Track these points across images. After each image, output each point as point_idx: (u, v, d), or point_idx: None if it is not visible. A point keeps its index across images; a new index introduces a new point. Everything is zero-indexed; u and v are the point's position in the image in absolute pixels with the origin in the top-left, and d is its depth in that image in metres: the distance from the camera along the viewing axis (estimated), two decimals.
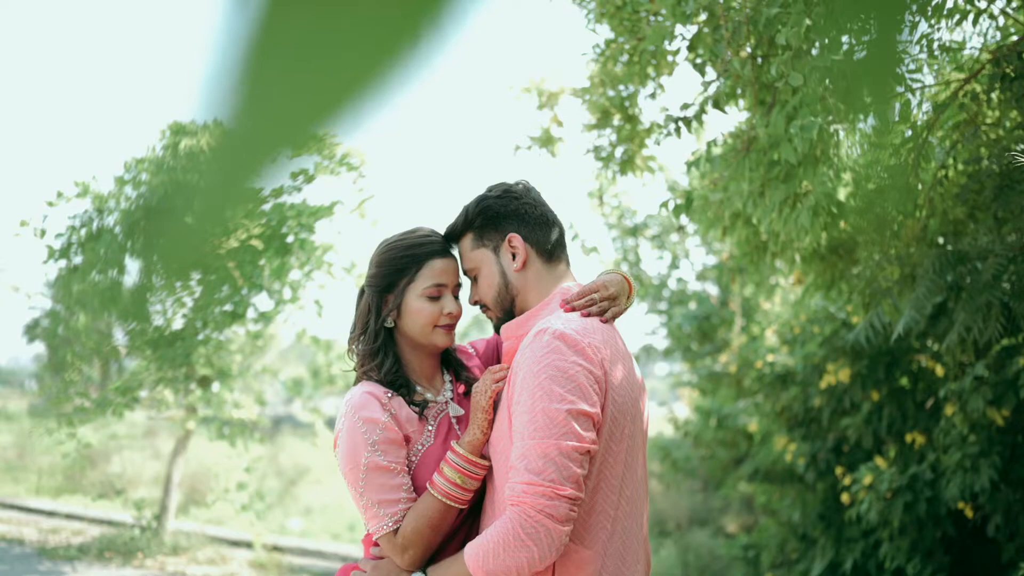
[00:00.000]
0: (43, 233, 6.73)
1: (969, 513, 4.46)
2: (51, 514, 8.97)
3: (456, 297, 1.74)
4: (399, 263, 1.70)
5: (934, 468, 4.71)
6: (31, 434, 7.77)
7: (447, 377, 1.80)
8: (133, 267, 7.15)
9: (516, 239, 1.65)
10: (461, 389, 1.79)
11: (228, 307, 7.30)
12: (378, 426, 1.61)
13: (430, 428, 1.69)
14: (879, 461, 4.85)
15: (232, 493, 7.07)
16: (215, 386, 7.03)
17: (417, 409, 1.68)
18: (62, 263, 6.87)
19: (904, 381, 5.20)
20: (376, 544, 1.66)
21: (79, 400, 7.07)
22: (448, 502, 1.58)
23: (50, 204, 6.76)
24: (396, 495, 1.59)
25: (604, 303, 1.62)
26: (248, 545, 7.84)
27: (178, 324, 7.33)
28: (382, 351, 1.70)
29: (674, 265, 8.39)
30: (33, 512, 9.05)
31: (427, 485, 1.60)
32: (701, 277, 8.64)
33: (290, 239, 7.16)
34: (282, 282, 7.27)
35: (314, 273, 7.40)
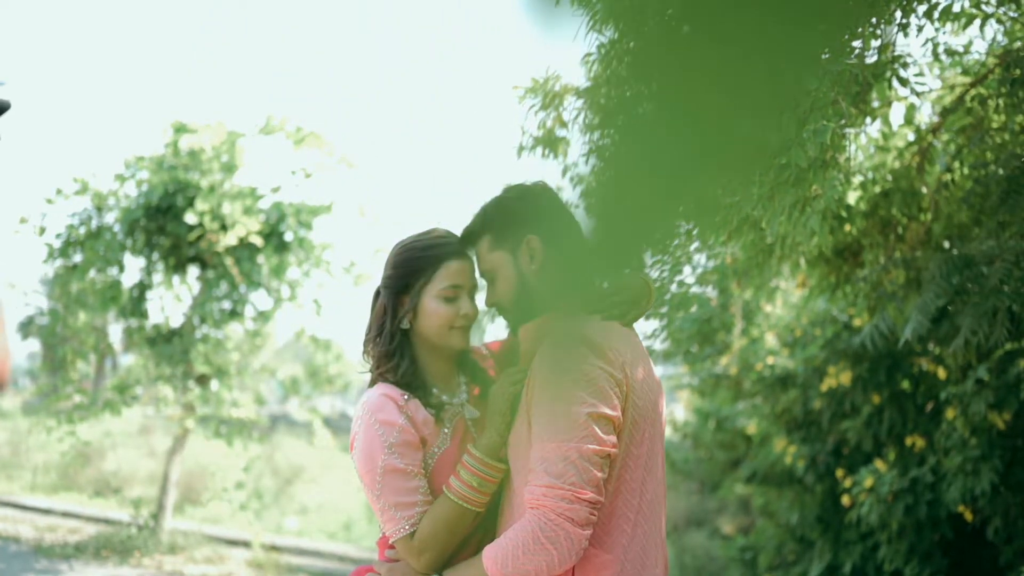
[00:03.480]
0: (42, 231, 6.69)
1: (968, 516, 4.48)
2: (47, 512, 8.92)
3: (472, 299, 1.73)
4: (415, 264, 1.69)
5: (934, 471, 4.72)
6: (29, 431, 7.72)
7: (462, 379, 1.79)
8: (132, 264, 7.12)
9: (535, 240, 1.64)
10: (476, 391, 1.79)
11: (226, 305, 7.28)
12: (395, 428, 1.60)
13: (446, 431, 1.68)
14: (879, 464, 4.86)
15: (230, 492, 7.05)
16: (214, 384, 7.00)
17: (433, 411, 1.67)
18: (60, 261, 6.84)
19: (905, 384, 5.21)
20: (391, 546, 1.66)
21: (78, 397, 7.04)
22: (465, 505, 1.57)
23: (49, 201, 6.71)
24: (413, 498, 1.59)
25: (624, 306, 1.61)
26: (246, 544, 7.82)
27: (176, 322, 7.32)
28: (398, 353, 1.69)
29: (675, 268, 8.38)
30: (29, 510, 9.00)
31: (443, 488, 1.60)
32: (701, 280, 8.64)
33: (288, 237, 7.15)
34: (280, 280, 7.26)
35: (312, 271, 7.39)
